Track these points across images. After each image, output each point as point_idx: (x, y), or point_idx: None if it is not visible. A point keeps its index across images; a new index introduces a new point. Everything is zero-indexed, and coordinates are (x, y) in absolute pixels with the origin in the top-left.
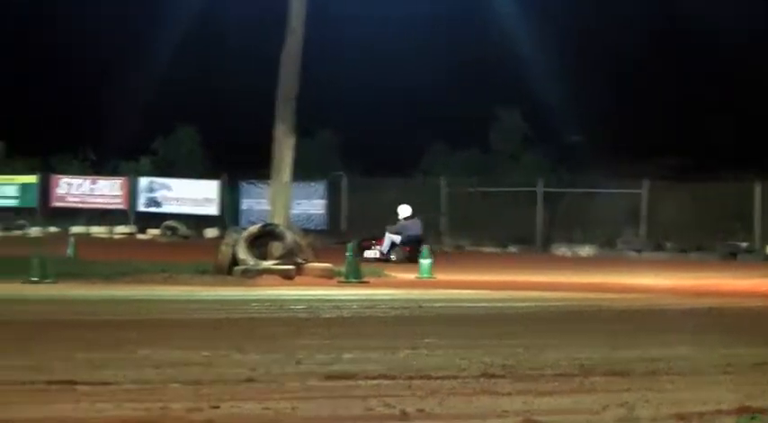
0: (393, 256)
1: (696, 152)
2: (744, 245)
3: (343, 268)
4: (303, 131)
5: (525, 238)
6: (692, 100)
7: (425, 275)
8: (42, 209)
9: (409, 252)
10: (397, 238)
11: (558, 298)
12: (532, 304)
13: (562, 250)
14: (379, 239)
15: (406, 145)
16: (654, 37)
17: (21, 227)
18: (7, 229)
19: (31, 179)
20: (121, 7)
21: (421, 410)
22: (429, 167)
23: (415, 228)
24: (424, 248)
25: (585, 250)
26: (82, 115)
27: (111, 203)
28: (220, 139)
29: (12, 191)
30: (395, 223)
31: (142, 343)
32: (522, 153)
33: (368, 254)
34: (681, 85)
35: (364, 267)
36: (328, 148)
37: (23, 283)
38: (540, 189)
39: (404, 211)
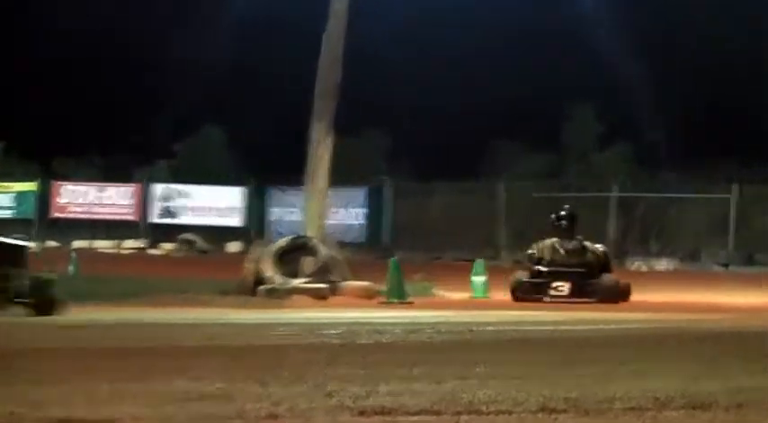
0: None
1: None
2: None
3: (384, 287)
4: (343, 130)
5: None
6: None
7: (479, 295)
8: (41, 220)
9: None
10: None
11: (631, 319)
12: (601, 327)
13: (637, 264)
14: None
15: (464, 145)
16: (752, 28)
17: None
18: None
19: (30, 186)
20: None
21: None
22: (489, 170)
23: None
24: (477, 263)
25: (664, 264)
26: (90, 115)
27: (121, 214)
28: (247, 140)
29: (7, 200)
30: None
31: (151, 373)
32: (593, 154)
33: None
34: None
35: (409, 286)
36: (373, 150)
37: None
38: (613, 194)
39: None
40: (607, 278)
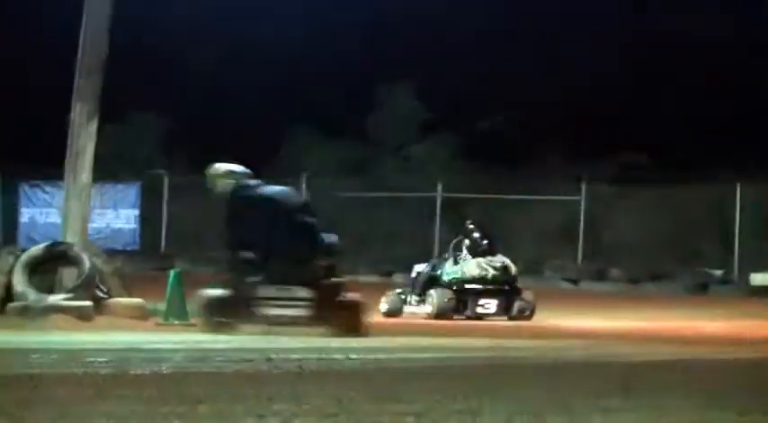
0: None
1: (654, 148)
2: (718, 273)
3: (161, 305)
4: (111, 115)
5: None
6: (648, 80)
7: None
8: None
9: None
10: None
11: (465, 346)
12: (424, 355)
13: None
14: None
15: (259, 132)
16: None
17: None
18: None
19: None
20: None
21: None
22: (288, 164)
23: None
24: None
25: None
26: None
27: None
28: None
29: None
30: None
31: None
32: (415, 146)
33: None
34: (639, 59)
35: (193, 304)
36: (147, 139)
37: None
38: (439, 194)
39: None
40: (528, 295)
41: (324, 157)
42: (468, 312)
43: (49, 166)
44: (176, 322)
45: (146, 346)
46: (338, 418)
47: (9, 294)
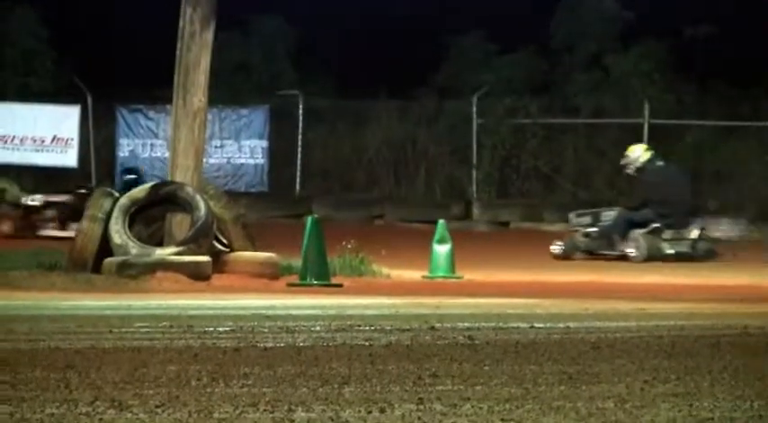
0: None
1: None
2: None
3: (295, 261)
4: (231, 21)
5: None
6: None
7: (442, 274)
8: None
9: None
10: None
11: (667, 313)
12: (629, 324)
13: None
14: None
15: (413, 45)
16: None
17: None
18: None
19: None
20: None
21: None
22: (452, 84)
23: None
24: (439, 226)
25: None
26: None
27: None
28: (78, 34)
29: None
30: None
31: None
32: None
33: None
34: None
35: (336, 259)
36: (277, 51)
37: None
38: (645, 120)
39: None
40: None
41: (498, 74)
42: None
43: (154, 85)
44: (315, 282)
45: (276, 313)
46: (521, 403)
47: (105, 247)
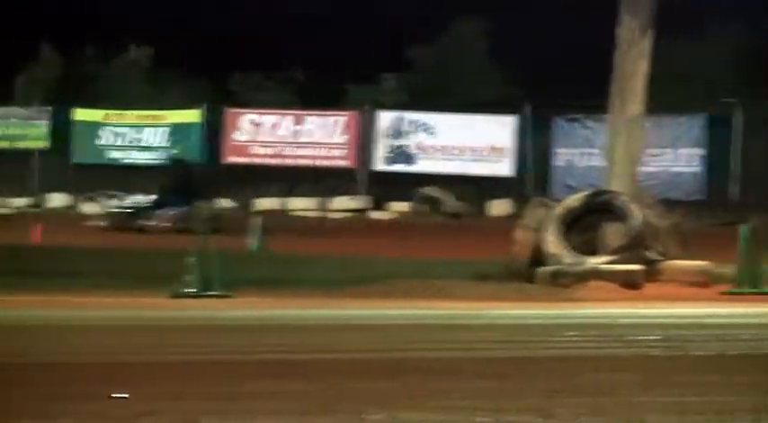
0: None
1: None
2: None
3: (729, 269)
4: (675, 28)
5: None
6: None
7: None
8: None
9: None
10: None
11: None
12: None
13: None
14: None
15: None
16: None
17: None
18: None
19: (192, 116)
20: None
21: None
22: None
23: None
24: None
25: None
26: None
27: (329, 158)
28: (521, 43)
29: (157, 137)
30: None
31: (373, 401)
32: None
33: None
34: None
35: None
36: (715, 59)
37: (172, 296)
38: None
39: None
40: None
41: None
42: None
43: (592, 95)
44: (749, 291)
45: (708, 321)
46: None
47: (539, 256)
